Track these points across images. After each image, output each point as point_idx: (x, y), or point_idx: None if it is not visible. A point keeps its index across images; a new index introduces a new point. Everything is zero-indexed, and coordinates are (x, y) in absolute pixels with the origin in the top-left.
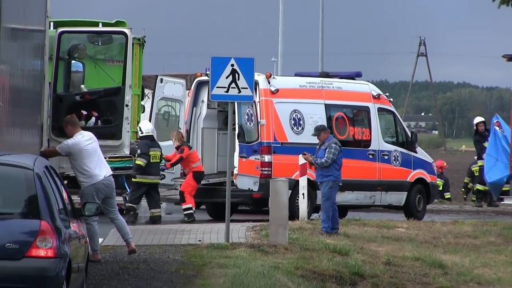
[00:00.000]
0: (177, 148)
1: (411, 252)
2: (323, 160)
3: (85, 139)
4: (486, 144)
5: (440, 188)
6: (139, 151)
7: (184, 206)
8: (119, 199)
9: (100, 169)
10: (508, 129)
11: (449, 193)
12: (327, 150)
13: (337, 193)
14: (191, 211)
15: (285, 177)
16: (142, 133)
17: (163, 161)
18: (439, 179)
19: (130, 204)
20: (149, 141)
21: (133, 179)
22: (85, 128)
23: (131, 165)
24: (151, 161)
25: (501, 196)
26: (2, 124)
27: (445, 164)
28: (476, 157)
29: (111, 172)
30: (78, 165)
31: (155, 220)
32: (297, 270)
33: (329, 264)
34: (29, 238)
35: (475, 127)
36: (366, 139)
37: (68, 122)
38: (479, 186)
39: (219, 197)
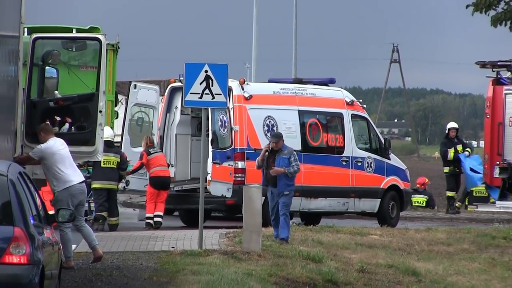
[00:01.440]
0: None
1: (385, 260)
2: (296, 168)
3: (57, 144)
4: (451, 151)
5: (424, 205)
6: None
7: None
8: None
9: (74, 174)
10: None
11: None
12: (292, 158)
13: (311, 200)
14: (148, 220)
15: (258, 184)
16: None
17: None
18: (422, 196)
19: (98, 213)
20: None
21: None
22: (59, 134)
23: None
24: (102, 165)
25: (474, 203)
26: None
27: (427, 180)
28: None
29: (83, 179)
30: (52, 168)
31: (112, 228)
32: (271, 277)
33: (303, 271)
34: (2, 245)
35: (446, 131)
36: (339, 145)
37: (42, 129)
38: (449, 193)
39: (192, 203)
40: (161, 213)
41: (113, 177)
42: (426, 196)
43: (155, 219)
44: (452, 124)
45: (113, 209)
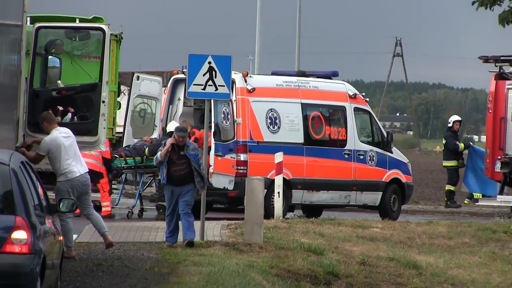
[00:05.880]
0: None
1: (386, 252)
2: (202, 167)
3: (62, 135)
4: (461, 144)
5: None
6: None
7: None
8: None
9: (77, 165)
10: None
11: None
12: (199, 155)
13: (313, 193)
14: None
15: (260, 176)
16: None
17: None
18: None
19: (159, 203)
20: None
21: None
22: (61, 124)
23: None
24: None
25: (475, 198)
26: None
27: None
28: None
29: (87, 170)
30: (56, 159)
31: None
32: (272, 269)
33: (304, 263)
34: (4, 234)
35: (451, 124)
36: (342, 138)
37: (44, 118)
38: (451, 187)
39: None
40: None
41: None
42: None
43: None
44: (457, 117)
45: None
